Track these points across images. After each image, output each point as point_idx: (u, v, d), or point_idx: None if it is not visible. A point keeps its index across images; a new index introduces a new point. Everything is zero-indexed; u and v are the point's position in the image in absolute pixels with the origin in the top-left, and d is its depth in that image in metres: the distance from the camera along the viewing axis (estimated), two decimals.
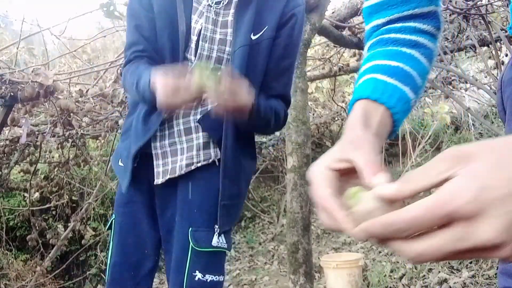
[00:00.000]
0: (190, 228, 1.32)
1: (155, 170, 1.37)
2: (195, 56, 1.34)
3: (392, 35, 0.76)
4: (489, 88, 3.29)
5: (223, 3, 1.34)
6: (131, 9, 1.41)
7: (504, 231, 0.35)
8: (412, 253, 0.40)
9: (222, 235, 1.35)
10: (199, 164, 1.35)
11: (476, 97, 5.91)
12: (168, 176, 1.36)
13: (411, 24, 0.76)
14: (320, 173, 0.52)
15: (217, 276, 1.34)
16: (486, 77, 5.00)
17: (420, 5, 0.76)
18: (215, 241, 1.33)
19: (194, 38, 1.33)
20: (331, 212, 0.46)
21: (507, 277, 0.75)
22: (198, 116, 1.37)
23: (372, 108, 0.66)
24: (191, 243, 1.31)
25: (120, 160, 1.44)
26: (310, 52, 3.97)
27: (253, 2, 1.31)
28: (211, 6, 1.33)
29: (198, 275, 1.31)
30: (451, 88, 4.09)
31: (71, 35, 3.02)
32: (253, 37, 1.31)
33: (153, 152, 1.37)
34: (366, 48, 0.80)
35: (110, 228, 1.45)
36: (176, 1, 1.32)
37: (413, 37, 0.76)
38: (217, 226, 1.33)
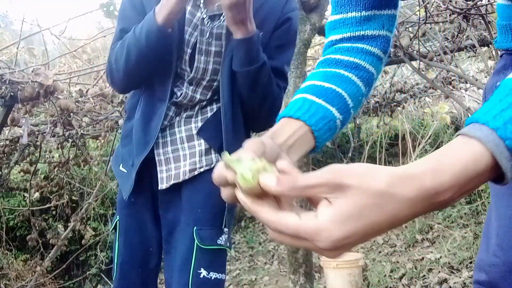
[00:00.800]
0: (195, 227, 1.35)
1: (159, 175, 1.40)
2: (190, 68, 1.36)
3: (337, 56, 0.82)
4: None
5: (217, 19, 1.34)
6: (123, 11, 1.41)
7: (341, 248, 0.47)
8: (276, 238, 0.49)
9: (224, 236, 1.39)
10: (202, 169, 1.39)
11: (476, 97, 5.91)
12: (172, 182, 1.39)
13: (360, 45, 0.82)
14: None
15: (220, 274, 1.37)
16: (486, 77, 5.00)
17: (371, 27, 0.82)
18: (219, 239, 1.37)
19: (188, 50, 1.35)
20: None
21: (477, 271, 0.85)
22: (200, 124, 1.41)
23: (288, 123, 0.71)
24: (196, 241, 1.34)
25: (122, 165, 1.46)
26: (310, 52, 3.97)
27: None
28: (204, 19, 1.34)
29: (203, 272, 1.34)
30: (451, 88, 4.09)
31: (71, 35, 3.02)
32: None
33: (156, 158, 1.40)
34: (317, 62, 0.87)
35: (115, 228, 1.47)
36: None
37: (356, 60, 0.81)
38: (226, 229, 1.39)
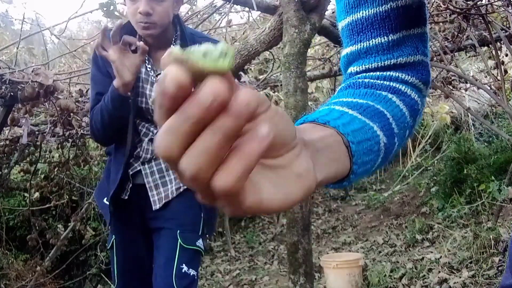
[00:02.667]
0: (179, 231, 1.64)
1: (151, 199, 1.70)
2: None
3: (369, 80, 0.63)
4: (489, 88, 3.29)
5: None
6: (92, 75, 1.73)
7: None
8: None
9: (200, 240, 1.68)
10: (185, 187, 1.65)
11: (476, 97, 5.91)
12: (163, 201, 1.69)
13: (393, 73, 0.64)
14: None
15: (196, 272, 1.66)
16: (486, 77, 4.99)
17: (404, 53, 0.64)
18: (197, 241, 1.67)
19: (146, 101, 1.65)
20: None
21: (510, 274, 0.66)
22: None
23: (313, 127, 0.49)
24: (179, 241, 1.62)
25: (106, 198, 1.75)
26: (310, 52, 3.97)
27: None
28: (156, 76, 1.66)
29: (184, 268, 1.61)
30: (451, 88, 4.09)
31: (71, 35, 3.02)
32: None
33: (147, 185, 1.69)
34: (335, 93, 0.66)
35: (111, 247, 1.79)
36: None
37: (394, 84, 0.63)
38: (202, 236, 1.69)
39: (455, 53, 3.35)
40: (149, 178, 1.69)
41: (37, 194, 4.07)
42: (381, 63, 0.64)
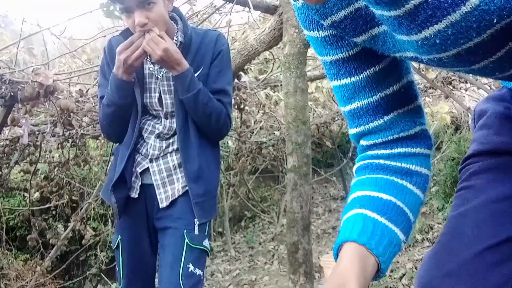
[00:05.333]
0: (185, 230, 1.66)
1: (159, 197, 1.72)
2: (161, 107, 1.73)
3: (382, 161, 0.74)
4: (489, 88, 3.29)
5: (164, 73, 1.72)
6: (101, 66, 1.80)
7: None
8: None
9: (207, 240, 1.71)
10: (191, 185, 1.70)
11: (476, 97, 5.91)
12: (170, 200, 1.72)
13: (400, 149, 0.74)
14: None
15: (202, 272, 1.67)
16: None
17: (404, 129, 0.74)
18: (204, 241, 1.69)
19: (156, 94, 1.72)
20: None
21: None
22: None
23: (365, 256, 0.64)
24: (186, 240, 1.64)
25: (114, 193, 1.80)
26: (310, 52, 3.97)
27: (190, 55, 1.69)
28: (158, 79, 1.72)
29: (191, 267, 1.63)
30: (451, 88, 4.09)
31: (71, 35, 3.02)
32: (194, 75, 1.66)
33: (155, 183, 1.72)
34: (354, 169, 0.79)
35: (117, 246, 1.77)
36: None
37: (404, 164, 0.73)
38: (196, 220, 1.67)
39: None
40: (157, 176, 1.72)
41: (37, 194, 4.07)
42: (385, 138, 0.75)
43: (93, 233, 4.14)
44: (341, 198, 6.92)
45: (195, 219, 1.68)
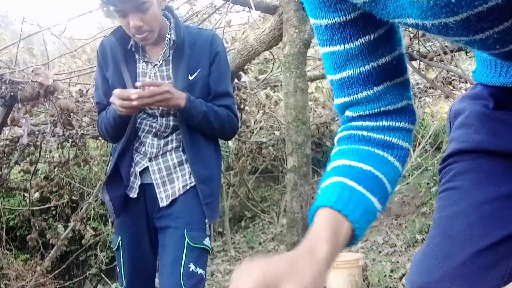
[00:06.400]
0: (186, 229, 1.64)
1: (159, 196, 1.71)
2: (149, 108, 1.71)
3: (365, 133, 0.74)
4: None
5: (159, 64, 1.71)
6: (96, 69, 1.81)
7: None
8: None
9: (207, 238, 1.69)
10: (192, 184, 1.71)
11: None
12: (170, 199, 1.70)
13: (385, 122, 0.74)
14: None
15: (203, 271, 1.66)
16: None
17: (391, 102, 0.73)
18: (204, 240, 1.67)
19: None
20: None
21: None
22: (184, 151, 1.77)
23: (339, 222, 0.65)
24: (187, 239, 1.63)
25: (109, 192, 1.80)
26: (310, 52, 3.97)
27: (185, 55, 1.67)
28: (151, 77, 1.71)
29: (192, 266, 1.61)
30: (451, 88, 4.09)
31: (71, 35, 3.02)
32: (190, 78, 1.67)
33: (154, 182, 1.71)
34: (336, 139, 0.78)
35: (118, 248, 1.76)
36: (122, 71, 1.68)
37: (387, 137, 0.73)
38: (207, 221, 1.68)
39: (455, 53, 3.34)
40: (157, 175, 1.71)
41: (37, 194, 4.07)
42: (372, 110, 0.74)
43: (93, 233, 4.14)
44: None
45: (206, 220, 1.68)
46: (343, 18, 0.69)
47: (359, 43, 0.70)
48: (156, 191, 1.72)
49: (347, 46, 0.70)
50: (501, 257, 0.68)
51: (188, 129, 1.69)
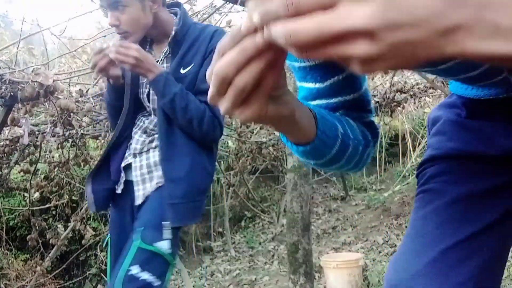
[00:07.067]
0: (142, 228, 1.55)
1: (136, 194, 1.66)
2: (148, 101, 1.71)
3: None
4: None
5: (160, 61, 1.70)
6: None
7: (379, 17, 0.35)
8: (287, 30, 0.38)
9: (167, 242, 1.54)
10: (160, 184, 1.64)
11: None
12: (144, 198, 1.64)
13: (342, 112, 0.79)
14: None
15: (152, 277, 1.50)
16: None
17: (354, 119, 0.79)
18: (159, 243, 1.53)
19: (145, 90, 1.71)
20: None
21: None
22: None
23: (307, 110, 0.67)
24: (139, 240, 1.52)
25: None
26: None
27: (182, 49, 1.64)
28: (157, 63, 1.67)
29: (134, 270, 1.48)
30: None
31: (71, 35, 3.02)
32: (182, 72, 1.63)
33: (134, 179, 1.66)
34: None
35: (107, 244, 1.73)
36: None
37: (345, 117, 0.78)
38: (168, 223, 1.55)
39: None
40: (137, 171, 1.67)
41: (37, 194, 4.07)
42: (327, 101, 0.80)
43: (93, 233, 4.14)
44: (341, 198, 6.92)
45: (168, 222, 1.56)
46: (312, 62, 0.75)
47: (328, 83, 0.76)
48: (135, 188, 1.67)
49: (317, 85, 0.77)
50: (471, 253, 0.72)
51: (165, 122, 1.61)
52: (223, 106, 0.48)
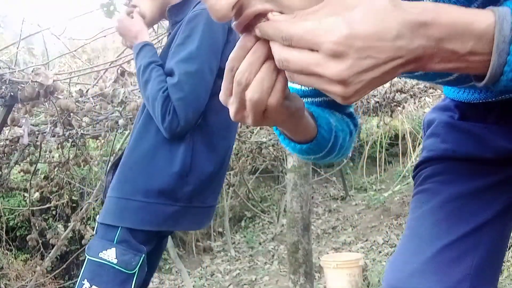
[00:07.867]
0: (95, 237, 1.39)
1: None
2: None
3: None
4: None
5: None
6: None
7: (351, 73, 0.44)
8: (280, 57, 0.46)
9: (114, 249, 1.30)
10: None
11: None
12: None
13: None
14: None
15: None
16: None
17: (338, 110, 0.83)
18: (101, 252, 1.31)
19: None
20: None
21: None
22: None
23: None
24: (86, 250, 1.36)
25: None
26: None
27: (171, 36, 1.49)
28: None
29: (86, 284, 1.29)
30: None
31: (71, 35, 3.02)
32: (171, 50, 1.46)
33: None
34: None
35: None
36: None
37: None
38: (120, 246, 1.30)
39: None
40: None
41: (37, 194, 4.08)
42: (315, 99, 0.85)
43: (93, 233, 4.14)
44: (341, 198, 6.92)
45: (115, 243, 1.31)
46: None
47: (318, 100, 0.82)
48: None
49: (303, 87, 0.82)
50: (467, 250, 0.73)
51: (143, 106, 1.46)
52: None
